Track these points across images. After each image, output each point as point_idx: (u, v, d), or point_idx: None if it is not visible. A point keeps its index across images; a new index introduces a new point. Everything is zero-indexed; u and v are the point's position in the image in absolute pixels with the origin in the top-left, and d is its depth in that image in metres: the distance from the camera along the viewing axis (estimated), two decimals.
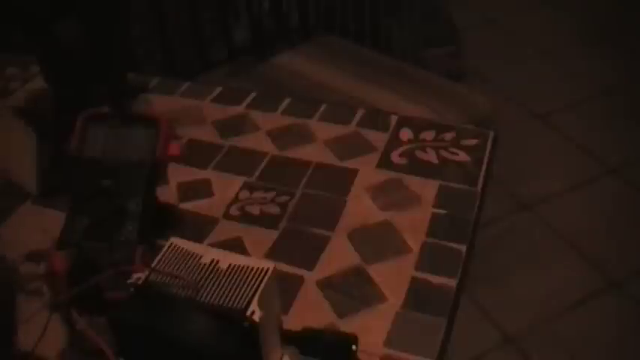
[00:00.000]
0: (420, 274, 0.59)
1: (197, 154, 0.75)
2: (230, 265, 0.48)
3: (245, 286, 0.46)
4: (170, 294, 0.46)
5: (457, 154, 0.73)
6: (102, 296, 0.51)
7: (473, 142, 0.75)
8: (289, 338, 0.51)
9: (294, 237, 0.64)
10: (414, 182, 0.70)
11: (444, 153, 0.73)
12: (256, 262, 0.48)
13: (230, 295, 0.46)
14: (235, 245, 0.63)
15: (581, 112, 2.19)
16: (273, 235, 0.65)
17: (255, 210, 0.67)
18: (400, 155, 0.74)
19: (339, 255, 0.62)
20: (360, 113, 0.81)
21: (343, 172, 0.72)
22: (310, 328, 0.52)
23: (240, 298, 0.46)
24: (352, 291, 0.58)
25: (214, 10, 1.43)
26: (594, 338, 1.49)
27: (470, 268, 0.61)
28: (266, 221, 0.66)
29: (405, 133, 0.77)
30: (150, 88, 0.88)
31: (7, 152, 0.68)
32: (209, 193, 0.70)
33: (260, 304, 0.45)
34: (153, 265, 0.48)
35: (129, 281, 0.48)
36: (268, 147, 0.76)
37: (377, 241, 0.63)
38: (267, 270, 0.48)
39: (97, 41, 0.70)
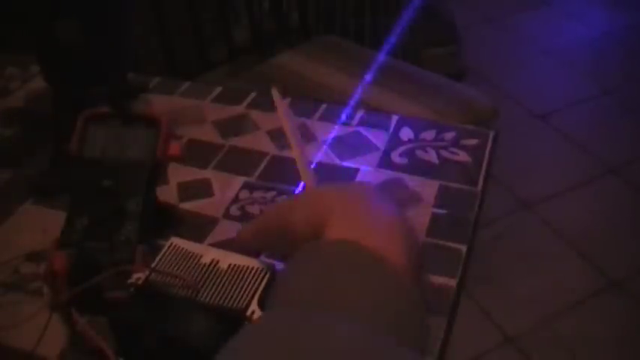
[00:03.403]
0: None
1: (197, 154, 0.75)
2: (230, 265, 0.48)
3: (245, 286, 0.46)
4: (170, 294, 0.46)
5: (457, 154, 0.73)
6: (102, 296, 0.51)
7: (473, 142, 0.75)
8: None
9: None
10: (414, 182, 0.70)
11: (444, 153, 0.74)
12: (256, 262, 0.48)
13: (230, 295, 0.46)
14: None
15: (581, 112, 2.19)
16: None
17: (255, 210, 0.67)
18: (400, 155, 0.74)
19: None
20: (360, 113, 0.81)
21: (343, 171, 0.72)
22: None
23: (240, 298, 0.46)
24: None
25: (214, 10, 1.43)
26: (595, 338, 1.49)
27: (470, 268, 0.61)
28: None
29: (406, 133, 0.77)
30: (150, 88, 0.88)
31: None
32: (209, 193, 0.70)
33: (260, 304, 0.45)
34: (153, 265, 0.48)
35: (129, 281, 0.48)
36: (268, 147, 0.76)
37: None
38: (267, 270, 0.48)
39: (97, 41, 0.70)
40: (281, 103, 0.53)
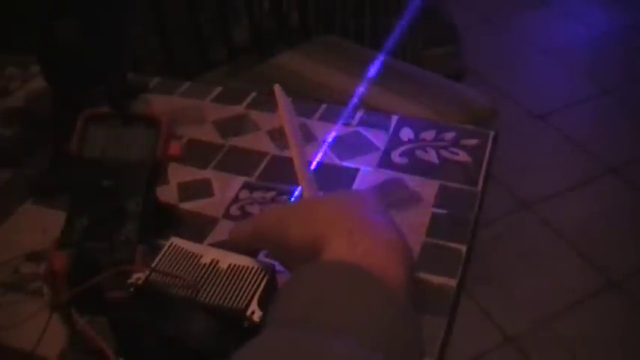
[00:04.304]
0: (420, 274, 0.59)
1: (197, 154, 0.75)
2: (230, 265, 0.48)
3: (245, 286, 0.46)
4: (170, 294, 0.46)
5: (457, 154, 0.73)
6: (102, 296, 0.51)
7: (473, 142, 0.75)
8: None
9: None
10: (414, 182, 0.70)
11: (444, 153, 0.74)
12: (256, 262, 0.48)
13: (230, 295, 0.46)
14: None
15: (581, 112, 2.19)
16: None
17: (255, 210, 0.67)
18: (400, 155, 0.74)
19: None
20: (360, 113, 0.81)
21: (343, 171, 0.72)
22: None
23: (240, 298, 0.46)
24: None
25: (214, 10, 1.43)
26: (594, 338, 1.49)
27: (470, 268, 0.61)
28: None
29: (406, 133, 0.77)
30: (150, 88, 0.88)
31: None
32: (209, 193, 0.70)
33: (260, 304, 0.45)
34: (153, 265, 0.48)
35: (129, 281, 0.48)
36: (268, 147, 0.76)
37: None
38: (267, 270, 0.48)
39: (96, 41, 0.70)
40: (284, 102, 0.53)
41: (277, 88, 0.53)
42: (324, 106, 0.83)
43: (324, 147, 0.76)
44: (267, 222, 0.46)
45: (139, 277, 0.48)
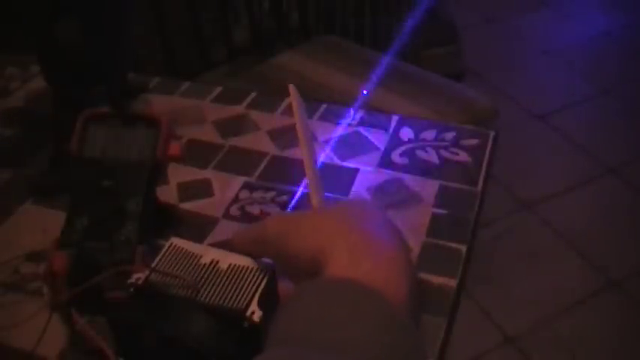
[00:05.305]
0: (420, 274, 0.59)
1: (197, 154, 0.75)
2: (230, 265, 0.48)
3: (245, 286, 0.46)
4: (170, 294, 0.46)
5: (457, 154, 0.73)
6: (102, 296, 0.51)
7: (473, 142, 0.75)
8: None
9: None
10: (414, 182, 0.70)
11: (444, 153, 0.74)
12: (256, 262, 0.48)
13: (230, 295, 0.46)
14: None
15: (581, 112, 2.19)
16: None
17: (255, 210, 0.67)
18: (400, 155, 0.74)
19: None
20: (360, 113, 0.81)
21: (343, 171, 0.72)
22: None
23: (240, 298, 0.45)
24: None
25: (214, 10, 1.43)
26: (594, 338, 1.49)
27: (470, 268, 0.61)
28: None
29: (406, 133, 0.77)
30: (150, 88, 0.88)
31: None
32: (209, 193, 0.70)
33: (260, 305, 0.45)
34: (153, 265, 0.48)
35: (129, 281, 0.48)
36: (268, 147, 0.76)
37: None
38: (267, 270, 0.48)
39: (96, 41, 0.70)
40: (298, 103, 0.52)
41: (292, 88, 0.52)
42: (324, 106, 0.83)
43: (324, 147, 0.76)
44: (269, 232, 0.46)
45: (139, 277, 0.48)
